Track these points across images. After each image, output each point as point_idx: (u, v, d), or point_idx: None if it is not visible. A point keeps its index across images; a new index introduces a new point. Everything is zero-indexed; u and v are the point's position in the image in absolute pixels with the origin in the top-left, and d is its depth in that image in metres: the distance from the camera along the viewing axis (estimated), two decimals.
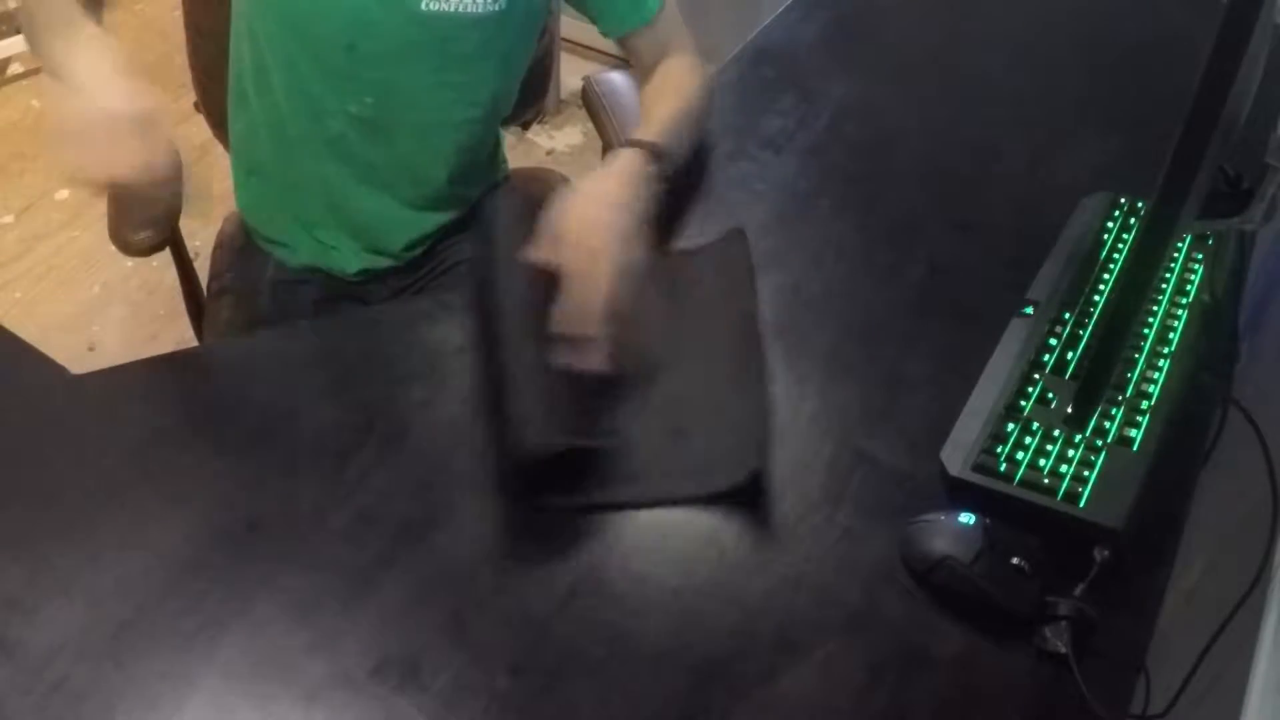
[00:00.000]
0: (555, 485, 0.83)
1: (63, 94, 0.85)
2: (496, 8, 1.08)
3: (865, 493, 0.85)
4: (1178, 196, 0.75)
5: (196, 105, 1.36)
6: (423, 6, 1.05)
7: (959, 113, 1.27)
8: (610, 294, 0.89)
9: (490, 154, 1.30)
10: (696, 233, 1.07)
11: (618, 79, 1.41)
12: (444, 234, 1.27)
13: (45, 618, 0.74)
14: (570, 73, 2.57)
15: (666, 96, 1.12)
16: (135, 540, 0.79)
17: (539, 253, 0.92)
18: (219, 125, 1.33)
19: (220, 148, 1.33)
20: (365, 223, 1.22)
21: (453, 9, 1.06)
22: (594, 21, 1.17)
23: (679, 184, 1.08)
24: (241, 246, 1.30)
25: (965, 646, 0.76)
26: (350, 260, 1.24)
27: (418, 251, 1.26)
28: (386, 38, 1.07)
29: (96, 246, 2.18)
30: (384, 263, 1.25)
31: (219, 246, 1.36)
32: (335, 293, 1.26)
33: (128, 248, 1.19)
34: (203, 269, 1.38)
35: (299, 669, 0.72)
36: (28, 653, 0.72)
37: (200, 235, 1.85)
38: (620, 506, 0.83)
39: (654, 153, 1.01)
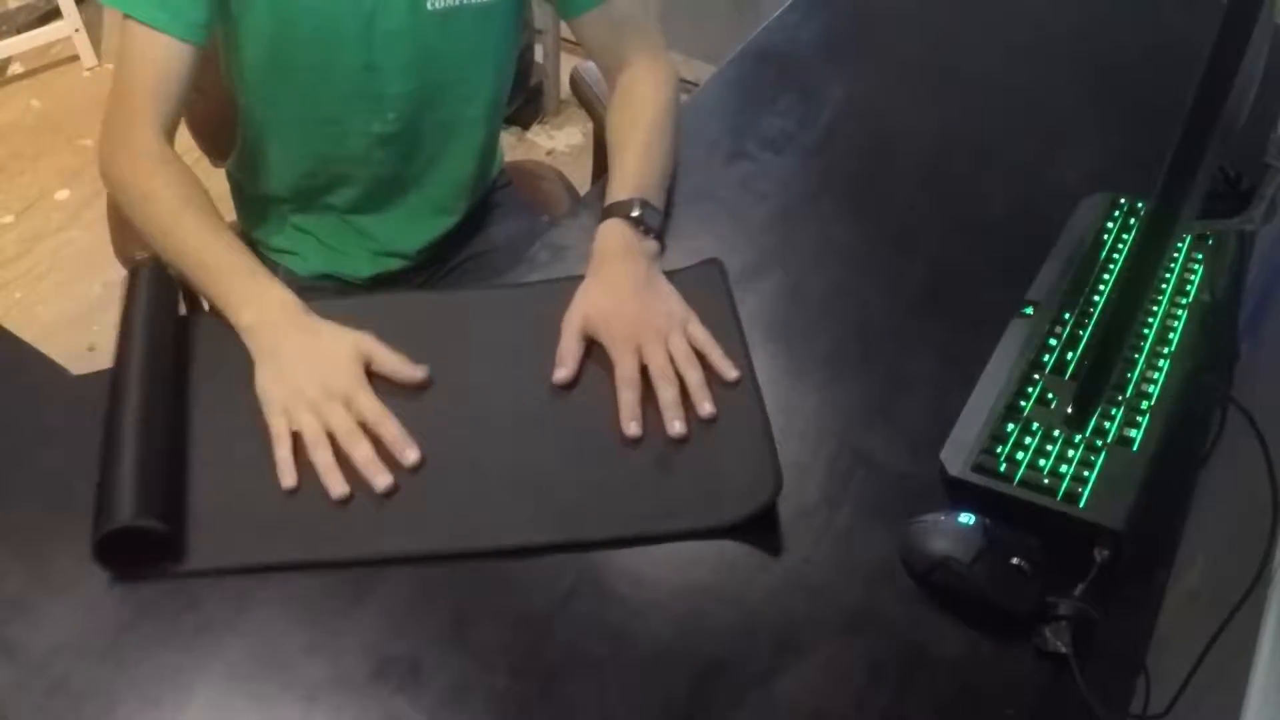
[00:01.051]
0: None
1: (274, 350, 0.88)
2: None
3: (865, 493, 0.85)
4: (1178, 196, 0.75)
5: None
6: (429, 6, 1.05)
7: (959, 113, 1.27)
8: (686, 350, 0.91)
9: (495, 149, 1.30)
10: (697, 233, 1.08)
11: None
12: (454, 233, 1.28)
13: (45, 618, 0.74)
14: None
15: (635, 131, 1.08)
16: None
17: (569, 364, 0.90)
18: (202, 136, 1.33)
19: None
20: (383, 231, 1.23)
21: (458, 2, 1.06)
22: (555, 4, 1.14)
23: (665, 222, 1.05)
24: None
25: (965, 646, 0.76)
26: (363, 266, 1.24)
27: (429, 253, 1.27)
28: (403, 48, 1.07)
29: (96, 246, 2.18)
30: (396, 264, 1.25)
31: None
32: (347, 298, 1.26)
33: (133, 265, 1.18)
34: None
35: (299, 669, 0.72)
36: (28, 653, 0.72)
37: None
38: (606, 545, 0.80)
39: (638, 218, 0.99)
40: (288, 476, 0.81)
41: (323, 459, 0.82)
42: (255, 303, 0.90)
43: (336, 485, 0.81)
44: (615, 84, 1.15)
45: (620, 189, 1.02)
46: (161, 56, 0.97)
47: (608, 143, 1.11)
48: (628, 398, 0.87)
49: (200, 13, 0.98)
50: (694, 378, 0.89)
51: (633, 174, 1.04)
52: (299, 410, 0.84)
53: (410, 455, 0.83)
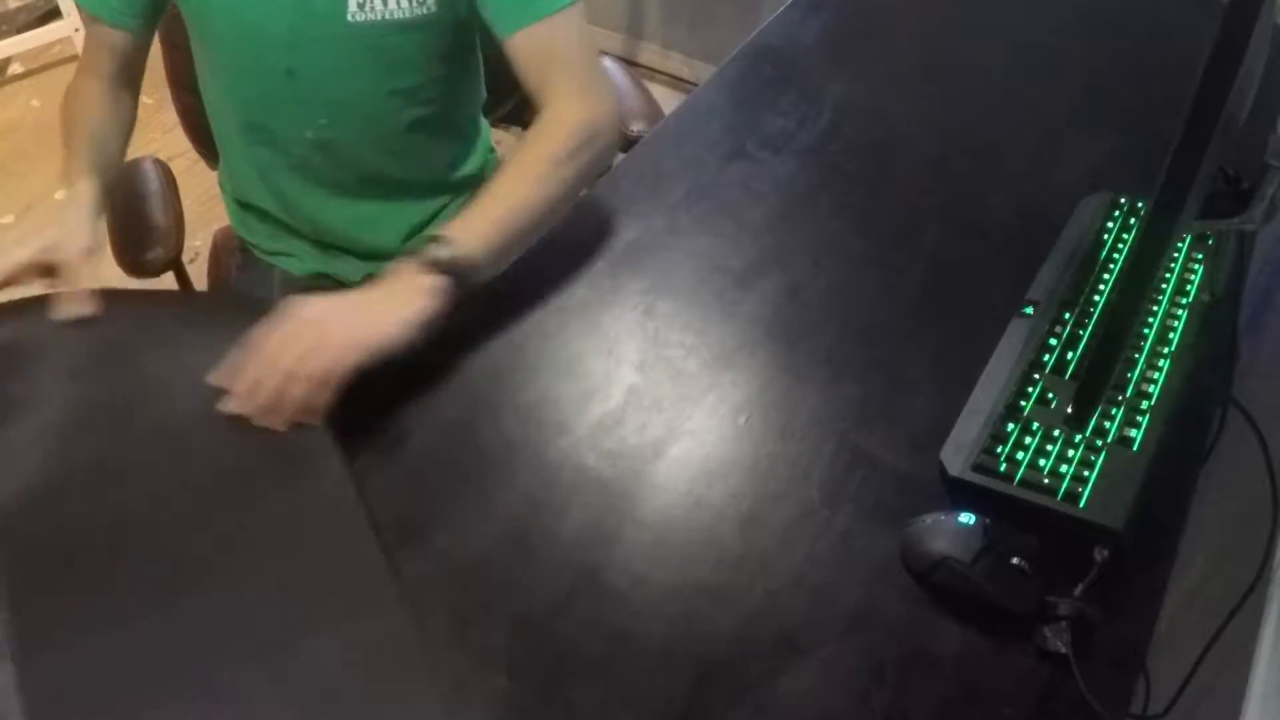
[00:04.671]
0: None
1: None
2: (424, 10, 1.05)
3: (865, 493, 0.85)
4: (1178, 196, 0.75)
5: None
6: (349, 18, 1.04)
7: (959, 113, 1.27)
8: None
9: (461, 144, 1.28)
10: (697, 233, 1.08)
11: (606, 63, 1.42)
12: (441, 220, 1.28)
13: None
14: None
15: (504, 169, 0.99)
16: None
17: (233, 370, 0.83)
18: (198, 139, 1.34)
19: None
20: (354, 234, 1.23)
21: (379, 17, 1.05)
22: (491, 24, 1.04)
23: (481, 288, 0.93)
24: (241, 262, 1.31)
25: (965, 646, 0.76)
26: (353, 269, 1.25)
27: (418, 243, 1.27)
28: (323, 56, 1.07)
29: None
30: (387, 263, 1.25)
31: (216, 262, 1.36)
32: None
33: (133, 269, 1.19)
34: (199, 269, 1.38)
35: None
36: None
37: (200, 234, 1.85)
38: None
39: (447, 267, 0.89)
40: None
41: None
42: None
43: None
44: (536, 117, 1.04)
45: (455, 231, 0.92)
46: (96, 37, 1.10)
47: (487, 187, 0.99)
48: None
49: (127, 3, 1.07)
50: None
51: (478, 227, 0.94)
52: None
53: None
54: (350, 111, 1.12)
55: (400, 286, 0.88)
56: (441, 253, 0.90)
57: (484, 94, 1.29)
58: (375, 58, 1.08)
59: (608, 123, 1.05)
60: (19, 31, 2.70)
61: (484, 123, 1.33)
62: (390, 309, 0.86)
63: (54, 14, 2.71)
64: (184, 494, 0.78)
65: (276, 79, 1.08)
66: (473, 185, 1.32)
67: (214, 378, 0.83)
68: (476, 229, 0.93)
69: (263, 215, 1.24)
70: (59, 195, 0.99)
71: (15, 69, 2.75)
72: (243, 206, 1.26)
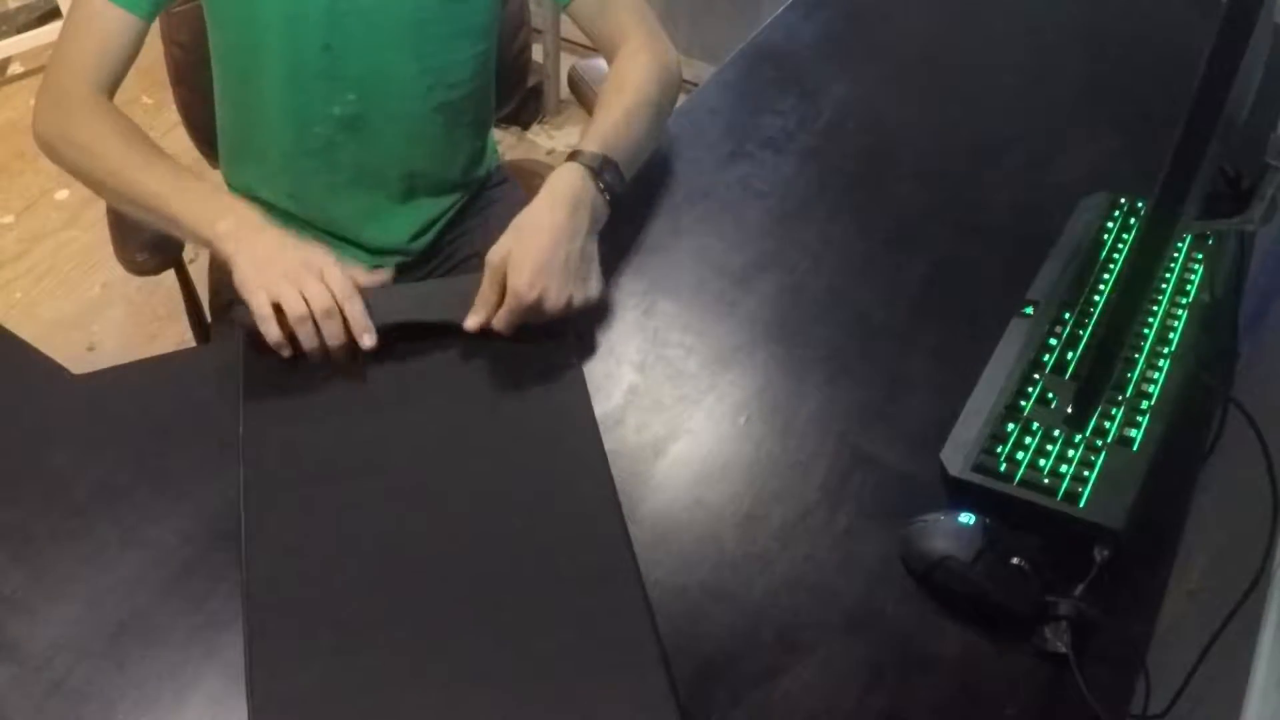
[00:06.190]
0: None
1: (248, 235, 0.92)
2: None
3: (865, 493, 0.85)
4: (1178, 196, 0.75)
5: None
6: None
7: (959, 113, 1.27)
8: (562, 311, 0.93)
9: (478, 142, 1.30)
10: (697, 232, 1.08)
11: (604, 65, 1.43)
12: (446, 224, 1.28)
13: (45, 618, 0.74)
14: None
15: (616, 96, 1.07)
16: (135, 540, 0.79)
17: (488, 290, 0.92)
18: (200, 138, 1.34)
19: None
20: (364, 228, 1.23)
21: None
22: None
23: (630, 188, 1.02)
24: None
25: (965, 646, 0.76)
26: (363, 264, 1.25)
27: (424, 241, 1.27)
28: (360, 29, 1.08)
29: (96, 246, 2.18)
30: (394, 260, 1.25)
31: (217, 261, 1.35)
32: None
33: (134, 267, 1.19)
34: (199, 268, 1.37)
35: None
36: (28, 653, 0.72)
37: None
38: None
39: (599, 171, 0.97)
40: (284, 350, 0.89)
41: (299, 318, 0.88)
42: (228, 212, 0.94)
43: (309, 340, 0.88)
44: (611, 63, 1.15)
45: (590, 143, 1.00)
46: (107, 27, 1.03)
47: (594, 110, 1.09)
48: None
49: None
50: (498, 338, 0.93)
51: (608, 135, 1.01)
52: (278, 283, 0.88)
53: (367, 340, 0.90)
54: (380, 88, 1.13)
55: (583, 200, 0.96)
56: (613, 180, 0.98)
57: (494, 92, 1.29)
58: (411, 33, 1.10)
59: (675, 63, 1.14)
60: (19, 31, 2.70)
61: (493, 128, 1.33)
62: (584, 231, 0.95)
63: (54, 14, 2.70)
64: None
65: (312, 54, 1.08)
66: (479, 186, 1.33)
67: (468, 323, 0.92)
68: (616, 145, 1.01)
69: (269, 209, 1.24)
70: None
71: (15, 69, 2.75)
72: (250, 203, 1.26)
